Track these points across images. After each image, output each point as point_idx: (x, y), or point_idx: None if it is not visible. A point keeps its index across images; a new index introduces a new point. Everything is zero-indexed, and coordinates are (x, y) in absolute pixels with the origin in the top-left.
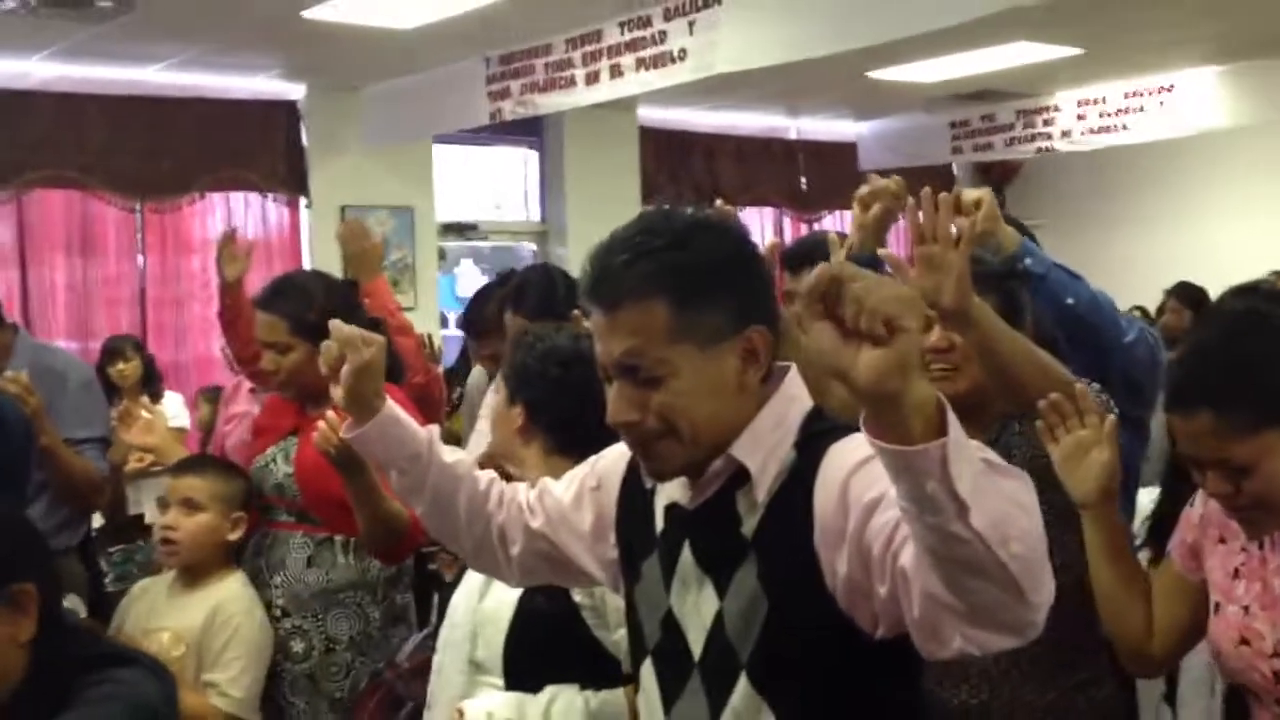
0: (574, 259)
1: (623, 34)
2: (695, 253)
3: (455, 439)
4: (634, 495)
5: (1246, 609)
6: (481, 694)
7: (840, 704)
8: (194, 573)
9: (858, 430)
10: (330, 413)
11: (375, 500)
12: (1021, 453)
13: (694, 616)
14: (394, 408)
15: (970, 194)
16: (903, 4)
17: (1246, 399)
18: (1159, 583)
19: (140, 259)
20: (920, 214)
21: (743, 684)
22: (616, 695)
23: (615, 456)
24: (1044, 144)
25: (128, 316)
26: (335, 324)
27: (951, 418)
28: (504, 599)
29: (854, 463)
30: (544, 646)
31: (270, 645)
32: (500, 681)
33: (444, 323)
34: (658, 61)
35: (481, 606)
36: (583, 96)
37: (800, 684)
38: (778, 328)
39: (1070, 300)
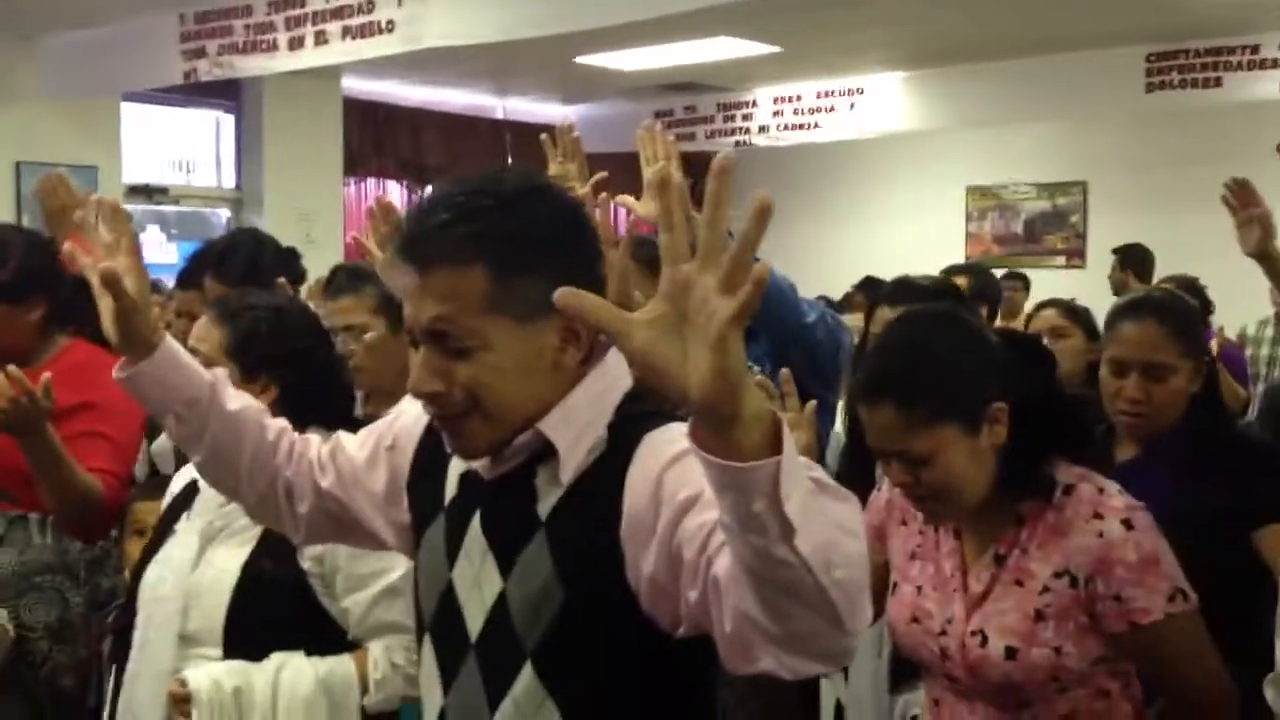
0: (270, 227)
1: (328, 1)
2: (524, 219)
3: None
4: (429, 458)
5: (919, 589)
6: (195, 666)
7: (631, 703)
8: None
9: (677, 418)
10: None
11: (62, 470)
12: None
13: (474, 594)
14: (172, 346)
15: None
16: None
17: (925, 393)
18: None
19: None
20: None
21: (527, 673)
22: (344, 662)
23: (415, 415)
24: (742, 138)
25: None
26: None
27: (786, 434)
28: (224, 568)
29: (670, 456)
30: (269, 615)
31: None
32: (216, 653)
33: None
34: (364, 31)
35: (196, 577)
36: (285, 62)
37: (590, 680)
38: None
39: (806, 318)
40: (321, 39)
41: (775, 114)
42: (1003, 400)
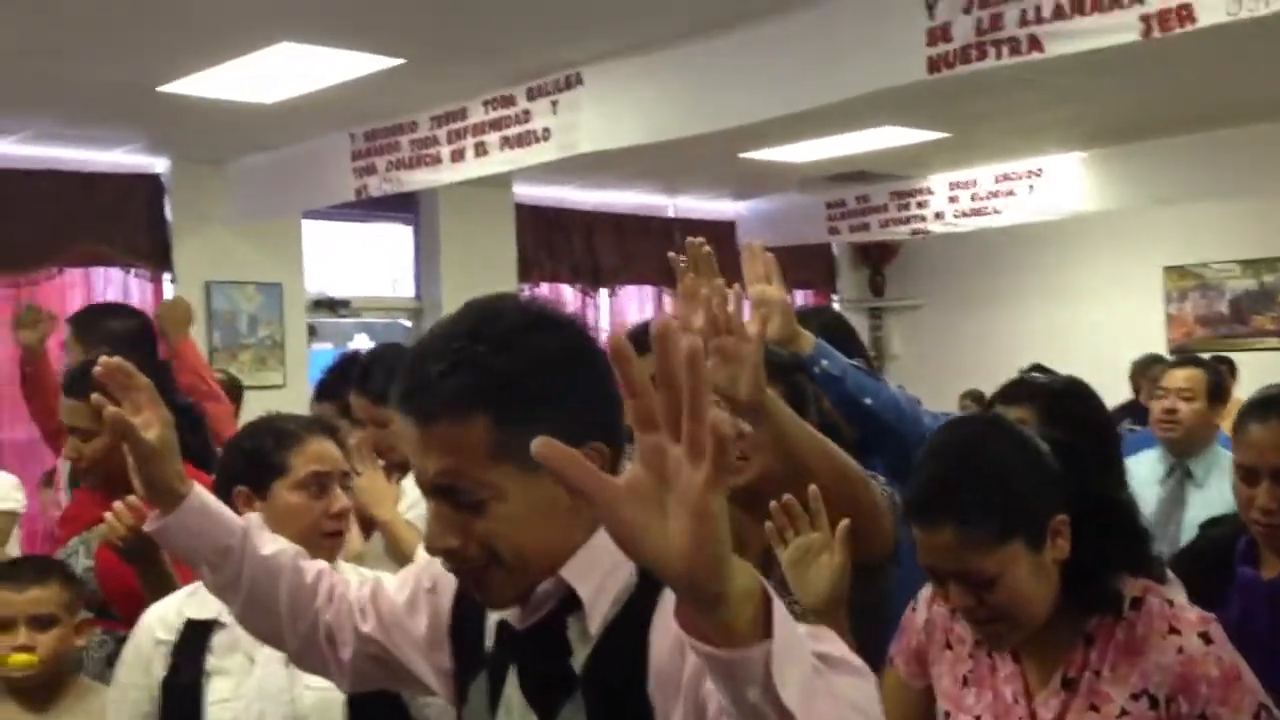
0: None
1: (487, 113)
2: (521, 360)
3: None
4: (468, 603)
5: (978, 718)
6: None
7: None
8: (48, 690)
9: None
10: (118, 503)
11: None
12: None
13: None
14: (201, 495)
15: (755, 254)
16: (761, 87)
17: (989, 512)
18: (882, 691)
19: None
20: (714, 304)
21: None
22: None
23: None
24: (918, 225)
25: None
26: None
27: (778, 612)
28: (326, 685)
29: None
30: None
31: None
32: None
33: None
34: (522, 140)
35: (298, 704)
36: (448, 174)
37: None
38: (619, 440)
39: (868, 400)
40: (481, 150)
41: (951, 200)
42: (1063, 512)
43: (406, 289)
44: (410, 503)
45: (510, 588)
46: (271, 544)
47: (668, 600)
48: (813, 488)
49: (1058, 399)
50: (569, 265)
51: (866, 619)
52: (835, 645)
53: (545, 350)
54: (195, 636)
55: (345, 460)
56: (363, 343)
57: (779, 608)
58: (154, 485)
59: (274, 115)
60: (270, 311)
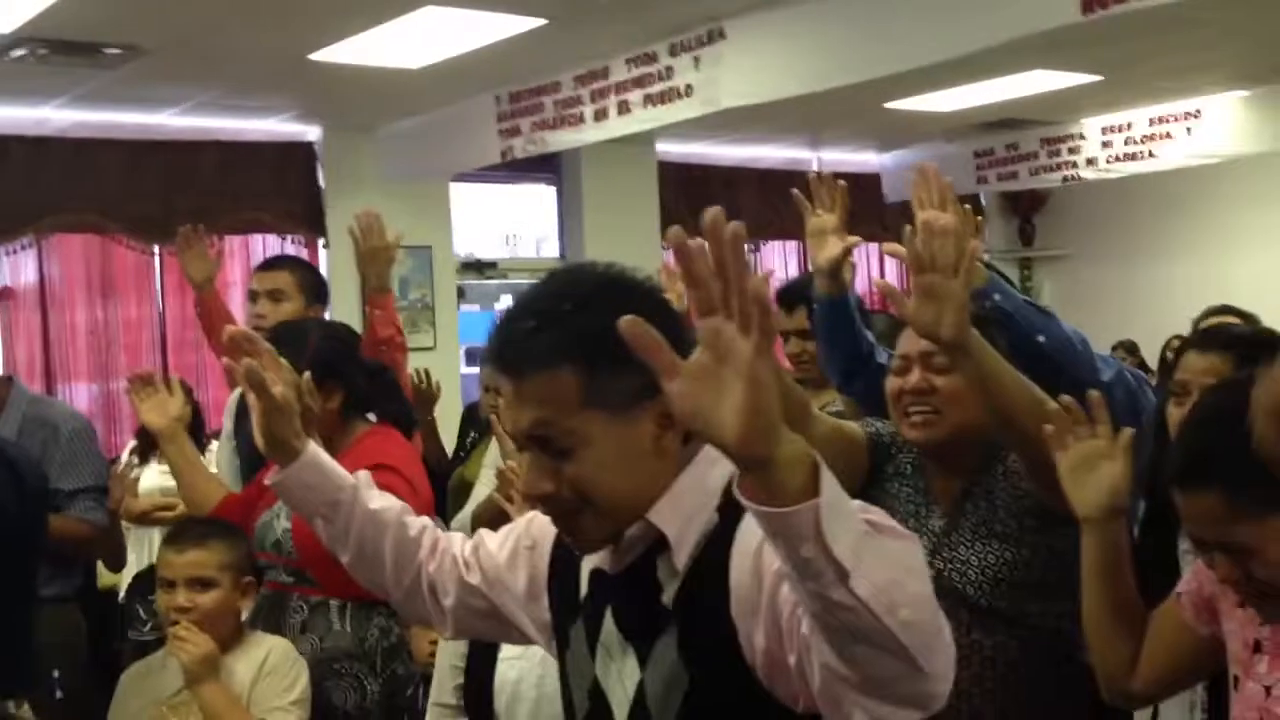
0: None
1: (629, 70)
2: (604, 315)
3: (468, 486)
4: (563, 557)
5: (1269, 690)
6: None
7: None
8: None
9: None
10: None
11: None
12: (1005, 494)
13: (618, 687)
14: (315, 452)
15: (928, 176)
16: (908, 35)
17: (1257, 480)
18: (1158, 623)
19: (159, 302)
20: (919, 241)
21: None
22: None
23: None
24: (1070, 172)
25: (148, 359)
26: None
27: (826, 477)
28: None
29: None
30: None
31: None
32: None
33: (468, 359)
34: (665, 97)
35: None
36: (592, 133)
37: None
38: None
39: (1041, 338)
40: (624, 108)
41: (1104, 145)
42: None
43: (551, 249)
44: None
45: (600, 529)
46: (378, 500)
47: (741, 534)
48: (1094, 393)
49: (1256, 348)
50: None
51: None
52: (883, 516)
53: (624, 306)
54: None
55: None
56: (507, 304)
57: (827, 473)
58: (274, 440)
59: (421, 80)
60: (420, 274)
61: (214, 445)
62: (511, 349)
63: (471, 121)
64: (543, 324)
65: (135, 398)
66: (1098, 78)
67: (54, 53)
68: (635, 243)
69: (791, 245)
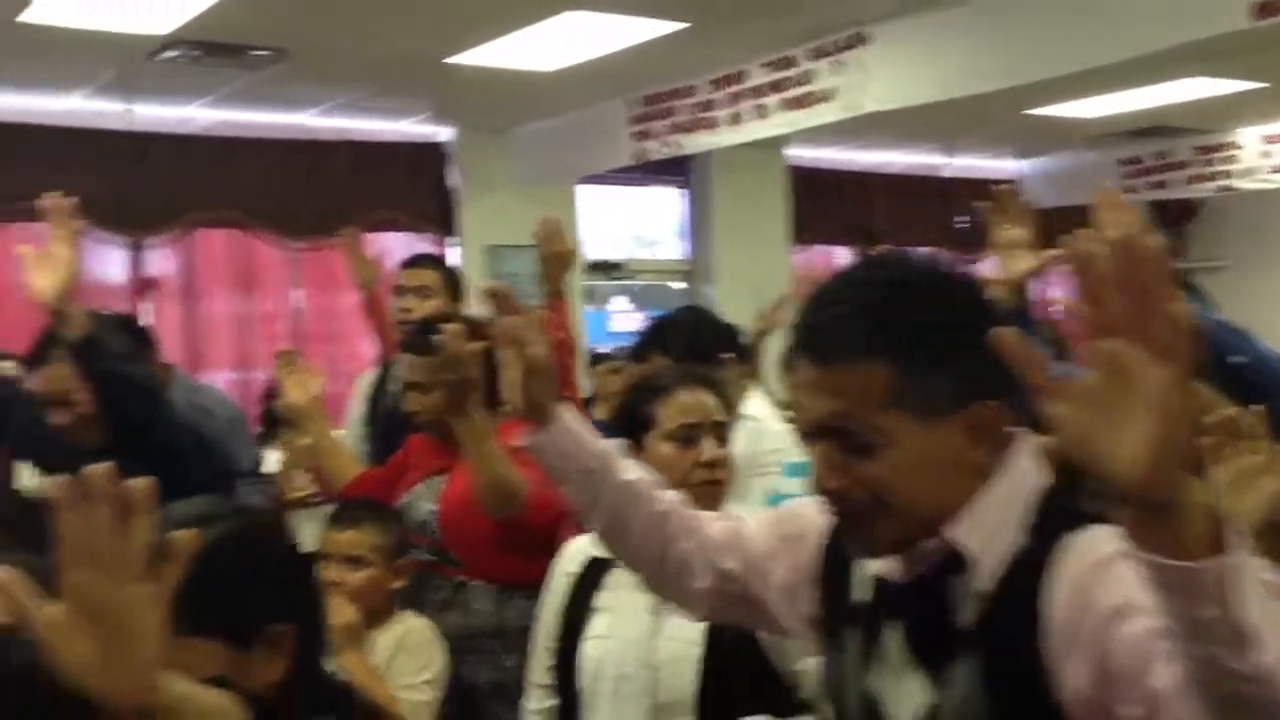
0: (722, 298)
1: (767, 74)
2: (925, 312)
3: None
4: (835, 554)
5: None
6: None
7: None
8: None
9: (1099, 519)
10: None
11: (489, 447)
12: None
13: (901, 703)
14: (571, 418)
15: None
16: (1060, 41)
17: None
18: None
19: (297, 295)
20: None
21: None
22: None
23: (818, 506)
24: (1225, 182)
25: None
26: (508, 321)
27: (1233, 532)
28: (686, 639)
29: (1095, 560)
30: (735, 680)
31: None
32: None
33: (596, 359)
34: (803, 101)
35: (656, 650)
36: (726, 137)
37: None
38: (1017, 401)
39: (1238, 358)
40: (761, 112)
41: (1264, 154)
42: None
43: (678, 252)
44: None
45: (890, 535)
46: (631, 471)
47: (1066, 564)
48: (1256, 408)
49: None
50: (842, 227)
51: None
52: (1276, 573)
53: (949, 305)
54: (594, 573)
55: (721, 410)
56: (620, 305)
57: (1233, 527)
58: (532, 400)
59: (555, 82)
60: None
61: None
62: (821, 333)
63: (604, 124)
64: (859, 312)
65: (280, 374)
66: (1262, 85)
67: (204, 54)
68: (764, 246)
69: (923, 253)
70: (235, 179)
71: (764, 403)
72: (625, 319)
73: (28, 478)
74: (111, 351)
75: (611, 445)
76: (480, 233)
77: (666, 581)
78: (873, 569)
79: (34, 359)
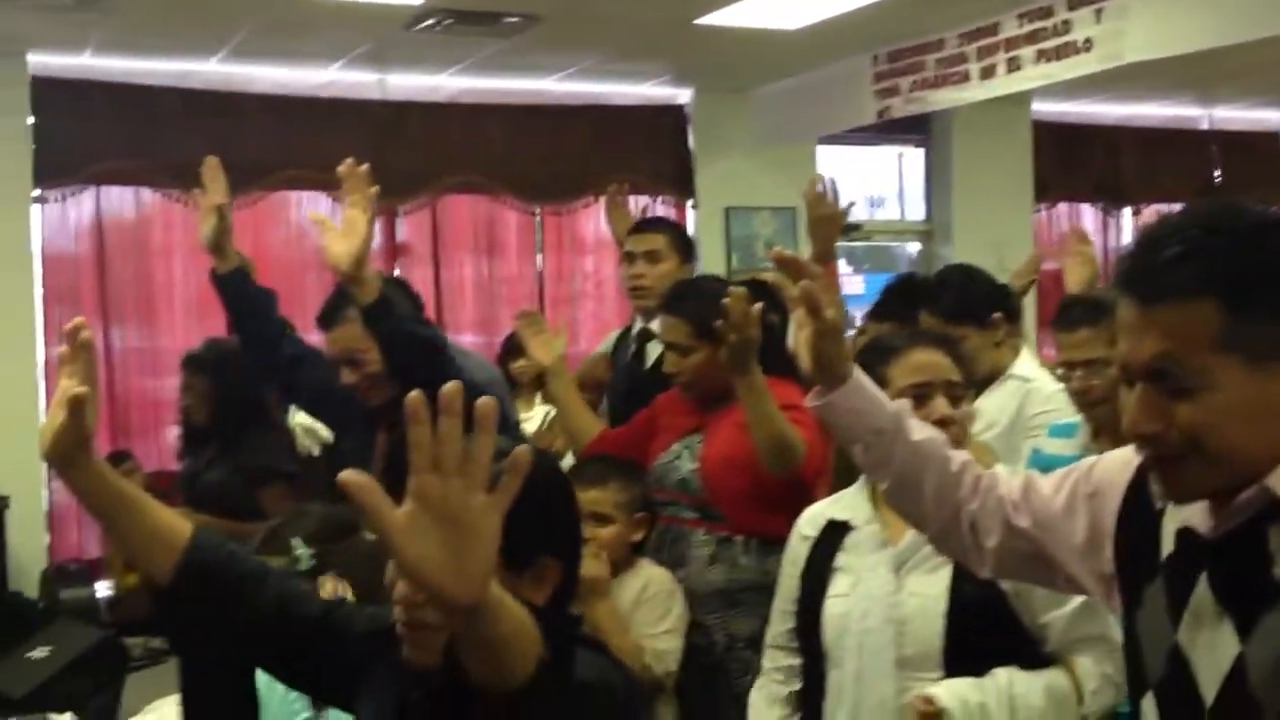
0: (959, 258)
1: (1021, 26)
2: (1264, 255)
3: None
4: (1138, 510)
5: None
6: (919, 689)
7: None
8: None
9: None
10: None
11: (766, 407)
12: None
13: (1207, 657)
14: (861, 378)
15: None
16: None
17: None
18: None
19: (539, 259)
20: None
21: None
22: (1058, 674)
23: (1118, 463)
24: None
25: None
26: (806, 285)
27: None
28: (929, 594)
29: None
30: (979, 634)
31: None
32: (936, 675)
33: None
34: (1060, 53)
35: (901, 606)
36: (977, 92)
37: None
38: None
39: None
40: (1014, 65)
41: None
42: None
43: (917, 212)
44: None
45: (1203, 482)
46: (921, 431)
47: None
48: None
49: None
50: (1089, 183)
51: None
52: None
53: None
54: (832, 536)
55: (955, 370)
56: (840, 269)
57: None
58: (823, 361)
59: (797, 40)
60: (785, 236)
61: None
62: (1148, 272)
63: (846, 82)
64: (1190, 251)
65: (525, 334)
66: None
67: (457, 23)
68: (1007, 204)
69: (1177, 209)
70: (480, 145)
71: (1034, 363)
72: (846, 282)
73: (300, 435)
74: (401, 313)
75: (903, 405)
76: (718, 195)
77: (956, 539)
78: (1180, 522)
79: (325, 321)
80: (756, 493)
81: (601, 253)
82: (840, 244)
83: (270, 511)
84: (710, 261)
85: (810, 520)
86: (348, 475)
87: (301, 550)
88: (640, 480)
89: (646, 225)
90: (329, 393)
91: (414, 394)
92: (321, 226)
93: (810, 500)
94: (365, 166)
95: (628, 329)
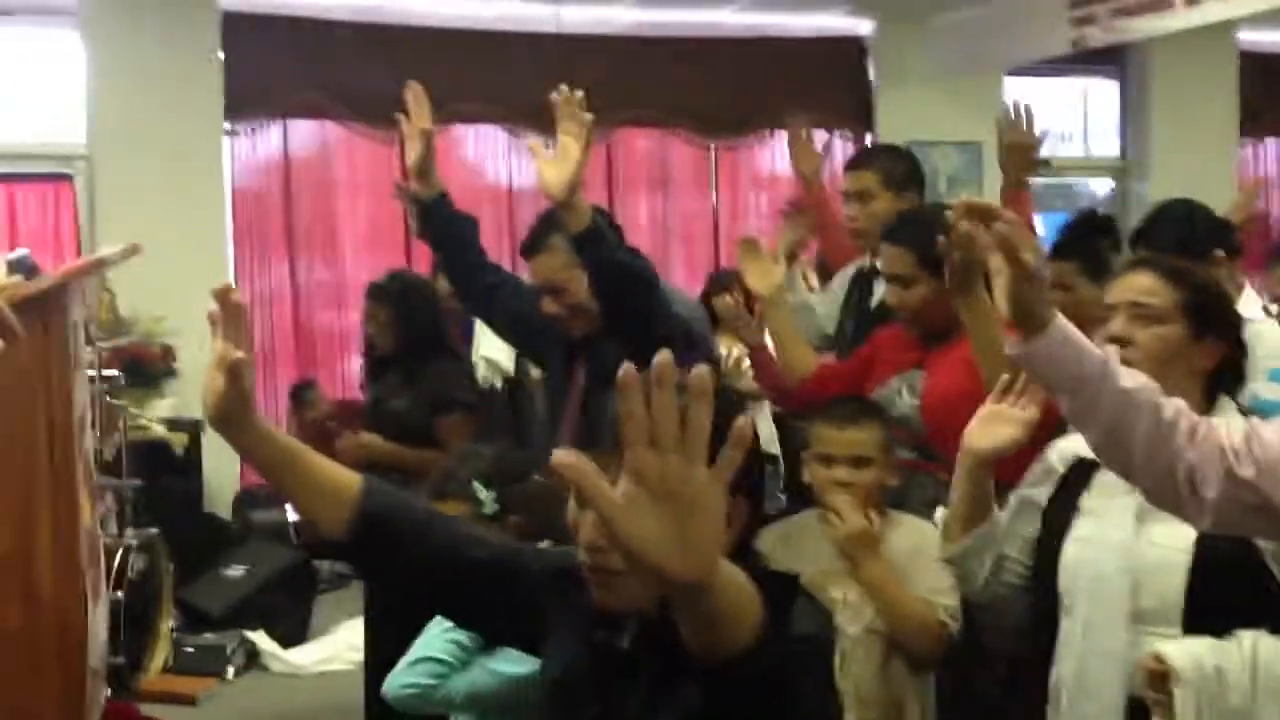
0: (1156, 195)
1: None
2: None
3: None
4: None
5: None
6: (1152, 644)
7: None
8: None
9: None
10: None
11: (994, 332)
12: None
13: None
14: (1064, 325)
15: None
16: None
17: None
18: None
19: (713, 195)
20: None
21: None
22: None
23: None
24: None
25: (703, 251)
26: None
27: None
28: (1173, 546)
29: None
30: (1225, 592)
31: None
32: (1174, 631)
33: None
34: None
35: (1140, 556)
36: (1179, 20)
37: None
38: None
39: None
40: None
41: None
42: None
43: (1110, 148)
44: None
45: None
46: (1130, 379)
47: None
48: None
49: None
50: None
51: None
52: None
53: None
54: (1080, 473)
55: (1165, 294)
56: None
57: None
58: (1022, 306)
59: None
60: (969, 172)
61: None
62: None
63: (1038, 9)
64: None
65: (743, 261)
66: None
67: None
68: (1210, 142)
69: None
70: (654, 79)
71: (1257, 304)
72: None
73: (482, 368)
74: (612, 243)
75: (1111, 351)
76: (898, 128)
77: (1173, 492)
78: None
79: (528, 249)
80: None
81: (777, 188)
82: (1035, 180)
83: (446, 440)
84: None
85: (1059, 454)
86: (560, 456)
87: (485, 494)
88: (889, 421)
89: (855, 162)
90: (526, 322)
91: (627, 367)
92: (535, 154)
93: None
94: (579, 93)
95: (859, 268)
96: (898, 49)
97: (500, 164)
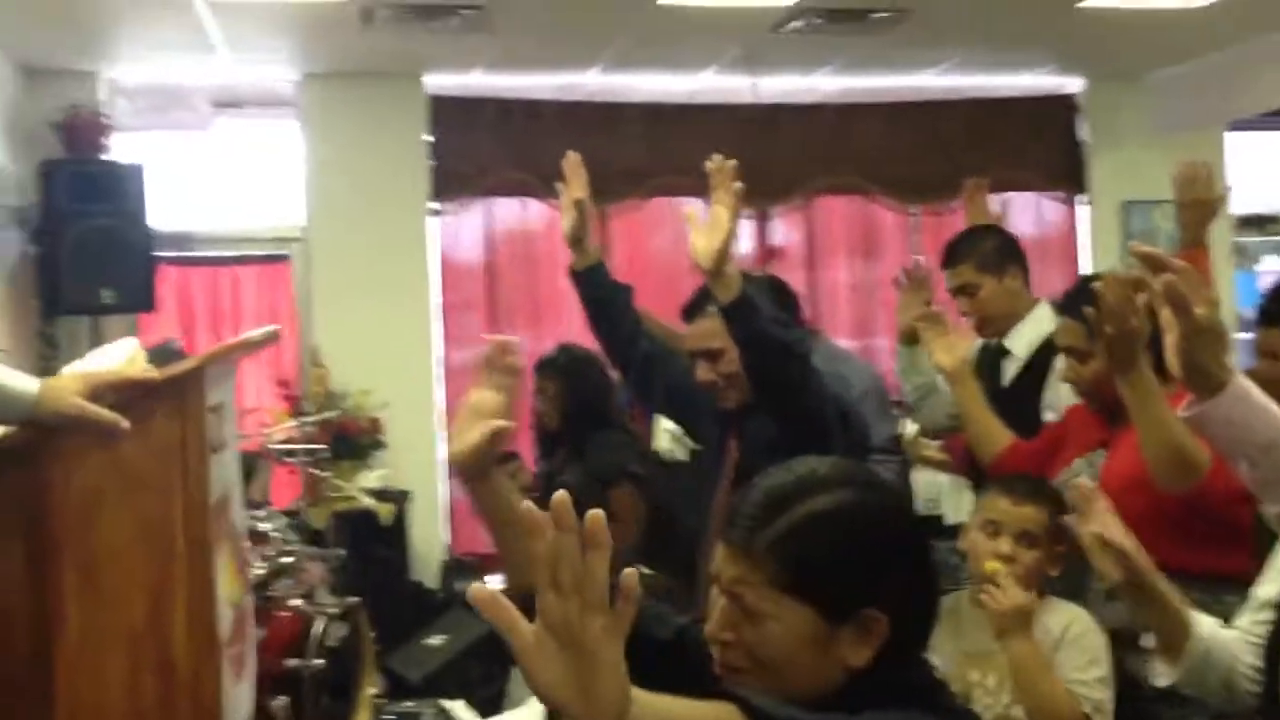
0: None
1: None
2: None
3: None
4: None
5: None
6: None
7: None
8: None
9: None
10: None
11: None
12: None
13: None
14: (1243, 384)
15: None
16: None
17: None
18: None
19: (918, 259)
20: None
21: None
22: None
23: None
24: None
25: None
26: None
27: None
28: None
29: None
30: None
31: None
32: None
33: (1241, 326)
34: None
35: None
36: None
37: None
38: None
39: None
40: None
41: None
42: None
43: None
44: None
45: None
46: None
47: None
48: None
49: None
50: None
51: None
52: None
53: None
54: None
55: None
56: (1273, 265)
57: None
58: (1195, 364)
59: (1202, 19)
60: None
61: None
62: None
63: (1263, 61)
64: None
65: (926, 336)
66: None
67: (826, 22)
68: None
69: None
70: (854, 145)
71: None
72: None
73: (665, 440)
74: (764, 314)
75: None
76: (1113, 188)
77: None
78: None
79: (688, 313)
80: (1163, 517)
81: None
82: (1268, 239)
83: (617, 513)
84: (1105, 260)
85: None
86: (475, 590)
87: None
88: (1061, 505)
89: (946, 259)
90: (682, 393)
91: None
92: (689, 223)
93: (1235, 530)
94: (732, 163)
95: (985, 344)
96: (1111, 107)
97: None
